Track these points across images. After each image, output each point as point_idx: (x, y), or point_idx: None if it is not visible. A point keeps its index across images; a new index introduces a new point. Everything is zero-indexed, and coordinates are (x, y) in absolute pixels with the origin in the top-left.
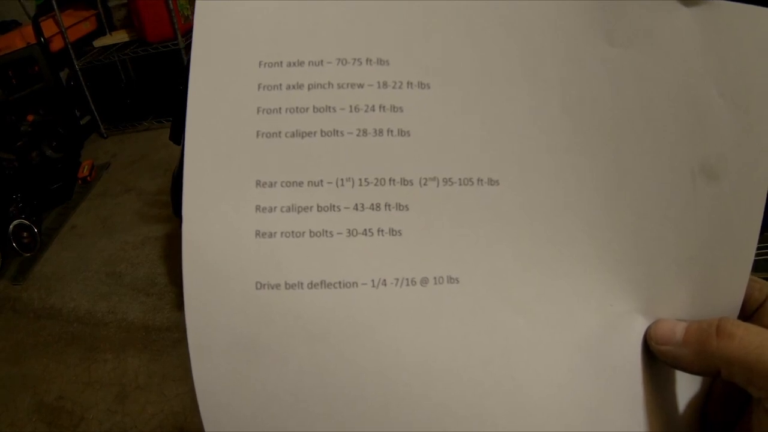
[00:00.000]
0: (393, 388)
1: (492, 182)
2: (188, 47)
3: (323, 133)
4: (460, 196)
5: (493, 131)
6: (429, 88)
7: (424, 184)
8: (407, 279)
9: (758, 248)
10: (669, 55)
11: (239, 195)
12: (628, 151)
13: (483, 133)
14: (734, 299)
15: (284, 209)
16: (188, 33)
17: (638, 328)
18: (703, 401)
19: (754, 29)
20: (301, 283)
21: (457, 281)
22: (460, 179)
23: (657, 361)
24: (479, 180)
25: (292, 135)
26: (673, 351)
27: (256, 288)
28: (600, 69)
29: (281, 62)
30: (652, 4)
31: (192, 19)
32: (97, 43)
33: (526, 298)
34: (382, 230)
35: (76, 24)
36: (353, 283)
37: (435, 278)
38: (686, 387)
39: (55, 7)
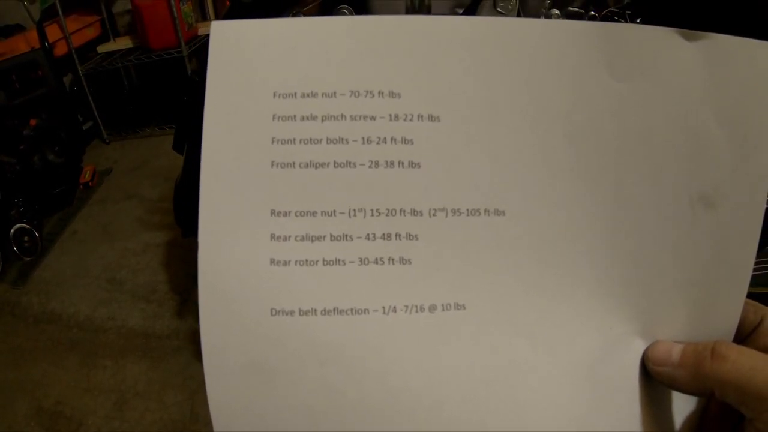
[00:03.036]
0: (400, 408)
1: (498, 213)
2: (191, 55)
3: (336, 164)
4: (467, 226)
5: (500, 162)
6: (439, 120)
7: (434, 215)
8: (416, 306)
9: (757, 263)
10: (670, 87)
11: (254, 224)
12: (629, 179)
13: (490, 164)
14: (730, 322)
15: (298, 238)
16: (192, 41)
17: (636, 349)
18: (698, 420)
19: (753, 62)
20: (315, 310)
21: (464, 308)
22: (468, 210)
23: (654, 381)
24: (486, 211)
25: (306, 165)
26: (670, 372)
27: (271, 314)
28: (602, 101)
29: (295, 93)
30: (655, 39)
31: (195, 27)
32: (101, 48)
33: (528, 322)
34: (393, 259)
35: (80, 29)
36: (365, 310)
37: (443, 305)
38: (683, 406)
39: (60, 12)
